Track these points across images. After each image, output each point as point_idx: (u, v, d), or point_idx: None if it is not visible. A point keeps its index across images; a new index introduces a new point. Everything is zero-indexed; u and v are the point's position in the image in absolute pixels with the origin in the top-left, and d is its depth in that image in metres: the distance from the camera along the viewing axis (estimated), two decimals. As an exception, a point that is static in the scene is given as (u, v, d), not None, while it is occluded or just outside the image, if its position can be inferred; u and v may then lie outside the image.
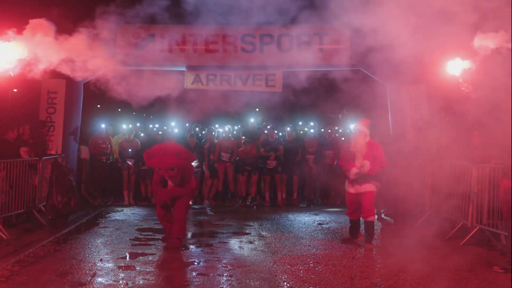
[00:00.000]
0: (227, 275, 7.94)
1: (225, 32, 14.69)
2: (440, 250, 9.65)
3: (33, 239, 10.32)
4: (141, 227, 11.73)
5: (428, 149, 12.97)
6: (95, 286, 7.34)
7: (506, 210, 8.61)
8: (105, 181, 15.73)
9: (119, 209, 14.40)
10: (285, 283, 7.53)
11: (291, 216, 13.52)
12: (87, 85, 15.31)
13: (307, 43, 14.67)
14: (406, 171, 12.58)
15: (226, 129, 16.51)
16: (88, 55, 11.72)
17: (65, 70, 11.56)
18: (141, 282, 7.58)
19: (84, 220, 12.57)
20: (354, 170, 9.96)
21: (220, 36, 14.81)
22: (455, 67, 9.62)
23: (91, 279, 7.62)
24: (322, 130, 17.42)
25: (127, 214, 13.67)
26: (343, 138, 15.92)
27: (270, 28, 14.63)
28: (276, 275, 7.94)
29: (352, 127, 10.37)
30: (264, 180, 15.76)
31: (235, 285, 7.43)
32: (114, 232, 11.18)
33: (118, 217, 13.14)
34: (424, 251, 9.45)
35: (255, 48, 14.87)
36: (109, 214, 13.51)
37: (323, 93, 14.06)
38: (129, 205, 15.09)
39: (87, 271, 8.05)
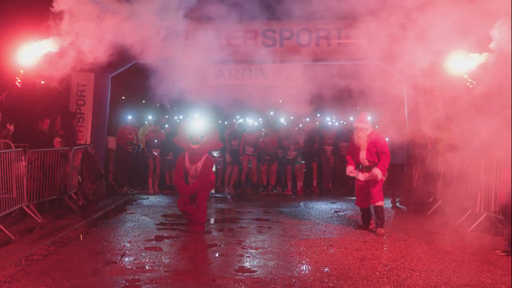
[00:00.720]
0: (246, 256, 8.59)
1: (246, 27, 15.20)
2: (448, 236, 10.21)
3: (65, 223, 11.08)
4: (166, 213, 12.41)
5: (442, 141, 13.51)
6: (124, 264, 8.05)
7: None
8: (131, 170, 16.50)
9: (145, 197, 15.12)
10: (298, 263, 8.16)
11: (309, 204, 14.14)
12: (113, 78, 16.07)
13: (325, 38, 15.17)
14: (420, 162, 13.19)
15: (250, 123, 17.15)
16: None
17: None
18: (166, 261, 8.28)
19: (112, 207, 13.31)
20: (349, 169, 10.65)
21: (242, 31, 15.33)
22: (462, 63, 10.05)
23: (121, 258, 8.33)
24: (340, 122, 17.98)
25: (152, 201, 14.38)
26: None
27: (290, 23, 15.16)
28: (291, 256, 8.58)
29: (353, 121, 10.84)
30: (285, 170, 16.35)
31: (254, 265, 8.07)
32: (140, 218, 11.90)
33: (144, 204, 13.87)
34: (432, 237, 10.11)
35: (275, 43, 15.39)
36: (136, 202, 14.24)
37: (342, 87, 14.49)
38: (154, 193, 15.80)
39: (117, 251, 8.77)
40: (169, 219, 11.78)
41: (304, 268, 7.92)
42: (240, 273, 7.59)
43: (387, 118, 14.63)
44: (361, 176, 10.74)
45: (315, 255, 8.66)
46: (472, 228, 10.72)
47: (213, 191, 15.26)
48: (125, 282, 7.09)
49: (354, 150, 10.79)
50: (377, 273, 7.65)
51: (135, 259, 8.33)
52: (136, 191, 15.96)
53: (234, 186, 16.51)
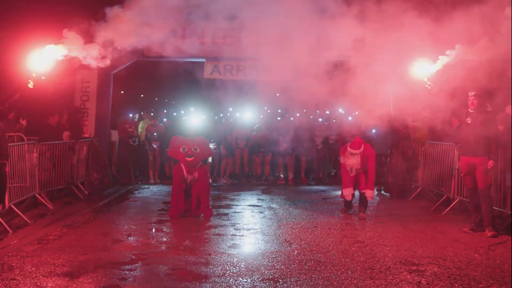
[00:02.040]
0: (238, 236, 9.68)
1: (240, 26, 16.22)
2: (422, 218, 11.35)
3: (74, 209, 12.17)
4: (166, 200, 13.45)
5: (421, 133, 14.64)
6: (131, 242, 9.16)
7: (469, 181, 10.18)
8: (133, 162, 17.57)
9: (146, 186, 16.22)
10: (285, 241, 9.24)
11: (299, 192, 15.27)
12: (115, 74, 17.15)
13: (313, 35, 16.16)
14: (402, 152, 14.30)
15: (244, 119, 18.29)
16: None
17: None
18: (168, 240, 9.43)
19: (116, 195, 14.37)
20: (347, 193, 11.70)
21: (236, 29, 16.33)
22: (423, 69, 11.14)
23: (127, 238, 9.43)
24: (329, 114, 19.12)
25: (153, 191, 15.47)
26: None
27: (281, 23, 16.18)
28: (279, 235, 9.69)
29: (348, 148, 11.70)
30: (278, 161, 17.47)
31: (245, 242, 9.17)
32: (143, 205, 13.03)
33: (145, 193, 14.97)
34: (409, 219, 11.23)
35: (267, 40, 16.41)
36: (138, 191, 15.33)
37: (330, 82, 15.49)
38: (155, 183, 16.90)
39: (124, 232, 9.88)
40: (169, 206, 12.80)
41: (289, 245, 8.98)
42: (232, 249, 8.69)
43: (375, 112, 15.76)
44: (353, 172, 11.64)
45: (301, 234, 9.75)
46: (446, 211, 11.84)
47: (210, 180, 16.32)
48: (132, 255, 8.18)
49: (347, 168, 11.65)
50: (353, 248, 8.76)
51: (140, 238, 9.44)
52: (137, 182, 17.00)
53: (230, 176, 17.59)
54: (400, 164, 14.24)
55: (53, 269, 7.36)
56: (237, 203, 13.37)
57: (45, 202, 12.12)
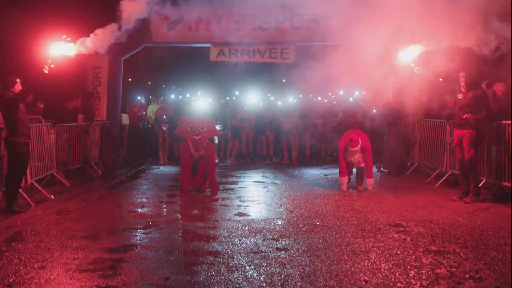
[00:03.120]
0: (243, 206, 10.54)
1: (245, 13, 17.02)
2: (416, 190, 12.18)
3: (90, 187, 13.07)
4: (176, 178, 14.31)
5: (416, 112, 15.46)
6: (145, 212, 10.04)
7: (458, 153, 11.02)
8: (143, 144, 18.48)
9: (156, 167, 17.12)
10: (286, 210, 10.09)
11: (302, 170, 16.10)
12: (125, 61, 18.00)
13: (315, 21, 16.96)
14: (399, 130, 15.12)
15: (245, 107, 19.14)
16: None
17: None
18: (178, 209, 10.32)
19: (128, 175, 15.26)
20: (343, 183, 12.51)
21: (241, 16, 17.13)
22: (410, 54, 11.99)
23: (141, 209, 10.32)
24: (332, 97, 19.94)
25: (163, 170, 16.36)
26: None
27: (284, 9, 16.98)
28: (281, 205, 10.55)
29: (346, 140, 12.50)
30: (282, 141, 18.34)
31: (249, 211, 10.02)
32: (154, 182, 13.91)
33: (155, 172, 15.87)
34: (403, 191, 12.08)
35: (271, 26, 17.20)
36: (148, 171, 16.22)
37: (333, 66, 16.26)
38: (164, 164, 17.80)
39: (137, 204, 10.77)
40: (178, 182, 13.68)
41: (290, 213, 9.83)
42: (238, 216, 9.55)
43: (375, 93, 16.67)
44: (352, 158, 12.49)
45: (301, 204, 10.61)
46: (438, 184, 12.67)
47: (216, 160, 17.22)
48: (147, 222, 9.08)
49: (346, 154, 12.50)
50: (348, 214, 9.62)
51: (152, 209, 10.34)
52: (148, 163, 17.88)
53: (236, 157, 18.47)
54: (397, 142, 15.05)
55: (75, 233, 8.26)
56: (242, 180, 14.23)
57: (62, 180, 13.01)
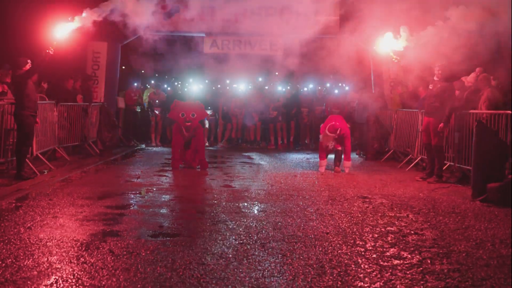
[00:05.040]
0: (229, 180, 11.81)
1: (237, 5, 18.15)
2: (388, 172, 13.48)
3: (89, 162, 14.29)
4: (168, 157, 15.49)
5: (394, 102, 16.79)
6: (140, 181, 11.31)
7: (425, 138, 12.33)
8: (137, 126, 19.72)
9: (150, 148, 18.39)
10: (267, 184, 11.34)
11: (286, 154, 17.39)
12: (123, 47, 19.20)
13: (304, 14, 18.11)
14: (377, 119, 16.40)
15: (239, 90, 20.42)
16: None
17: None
18: (171, 181, 11.58)
19: (124, 153, 16.53)
20: (321, 167, 13.62)
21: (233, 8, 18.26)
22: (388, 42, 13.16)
23: (137, 179, 11.59)
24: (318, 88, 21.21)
25: (156, 151, 17.66)
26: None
27: (273, 2, 18.17)
28: (263, 180, 11.83)
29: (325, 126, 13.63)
30: (268, 127, 19.63)
31: (234, 184, 11.29)
32: (148, 159, 15.20)
33: (149, 152, 17.19)
34: (376, 172, 13.35)
35: (261, 19, 18.37)
36: (142, 151, 17.51)
37: (317, 57, 17.41)
38: (156, 146, 19.12)
39: (133, 176, 12.06)
40: (170, 161, 14.92)
41: (270, 186, 11.08)
42: (224, 187, 10.82)
43: (357, 84, 17.97)
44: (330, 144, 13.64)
45: (282, 180, 11.87)
46: (409, 168, 13.97)
47: (207, 144, 18.48)
48: (143, 188, 10.37)
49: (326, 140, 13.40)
50: (322, 188, 10.90)
51: (147, 180, 11.60)
52: (141, 144, 19.11)
53: (226, 141, 19.77)
54: (376, 130, 16.32)
55: (80, 194, 9.52)
56: (229, 160, 15.51)
57: (63, 155, 14.24)
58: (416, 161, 14.09)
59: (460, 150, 12.09)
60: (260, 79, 22.00)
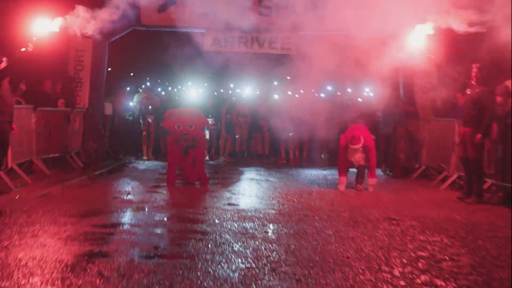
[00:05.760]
0: (234, 198, 11.97)
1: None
2: (419, 192, 13.59)
3: (71, 176, 14.46)
4: (162, 172, 15.63)
5: (426, 110, 16.90)
6: (130, 199, 11.51)
7: (462, 151, 12.43)
8: (127, 137, 19.90)
9: (141, 161, 18.60)
10: (278, 203, 11.49)
11: (299, 170, 17.54)
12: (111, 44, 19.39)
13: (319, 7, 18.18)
14: (407, 130, 16.53)
15: (244, 95, 20.55)
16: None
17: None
18: (166, 198, 11.77)
19: (111, 167, 16.69)
20: (341, 185, 13.79)
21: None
22: (418, 36, 13.17)
23: (127, 196, 11.77)
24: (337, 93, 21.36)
25: (148, 165, 17.83)
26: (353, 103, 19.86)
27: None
28: (273, 199, 11.98)
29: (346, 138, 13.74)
30: (279, 139, 19.77)
31: (239, 202, 11.45)
32: (139, 174, 15.39)
33: (140, 167, 17.32)
34: (404, 192, 13.49)
35: (271, 12, 18.51)
36: (132, 165, 17.70)
37: (339, 58, 17.41)
38: (148, 159, 19.26)
39: (123, 192, 12.28)
40: (165, 176, 15.04)
41: (282, 205, 11.24)
42: (228, 206, 10.98)
43: (382, 90, 18.06)
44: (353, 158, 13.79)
45: (295, 199, 12.03)
46: (444, 187, 14.08)
47: (207, 158, 18.66)
48: (134, 206, 10.55)
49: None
50: (342, 208, 11.03)
51: (138, 197, 11.79)
52: (131, 158, 19.30)
53: (229, 154, 19.96)
54: (405, 142, 16.45)
55: (63, 212, 9.71)
56: (234, 176, 15.69)
57: (42, 168, 14.42)
58: (452, 179, 14.17)
59: (503, 165, 12.16)
60: (272, 82, 22.08)
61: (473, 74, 12.15)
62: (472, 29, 11.60)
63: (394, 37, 15.24)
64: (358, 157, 13.43)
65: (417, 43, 12.80)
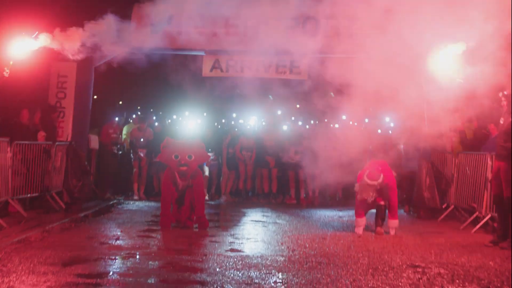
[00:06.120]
0: (237, 243, 11.96)
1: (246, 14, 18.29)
2: (447, 235, 13.55)
3: (52, 219, 14.44)
4: (156, 213, 15.58)
5: (454, 142, 16.89)
6: (120, 244, 11.48)
7: (495, 187, 12.41)
8: (115, 173, 19.88)
9: (131, 202, 18.60)
10: (288, 248, 11.48)
11: (312, 211, 17.56)
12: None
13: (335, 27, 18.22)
14: (432, 166, 16.51)
15: (248, 127, 20.57)
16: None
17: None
18: (160, 243, 11.79)
19: (97, 208, 16.67)
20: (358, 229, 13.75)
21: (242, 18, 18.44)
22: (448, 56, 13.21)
23: (115, 241, 11.76)
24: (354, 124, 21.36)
25: (139, 206, 17.85)
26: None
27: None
28: (282, 244, 11.98)
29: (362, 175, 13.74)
30: (288, 176, 19.76)
31: (244, 248, 11.44)
32: (129, 216, 15.39)
33: (130, 208, 17.34)
34: (431, 235, 13.46)
35: (279, 32, 18.49)
36: (121, 206, 17.71)
37: (355, 84, 17.38)
38: (140, 199, 19.27)
39: (111, 237, 12.26)
40: (159, 218, 15.00)
41: (291, 251, 11.22)
42: (230, 252, 10.97)
43: (404, 121, 18.01)
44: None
45: (307, 243, 12.02)
46: (475, 229, 14.03)
47: (207, 197, 18.64)
48: (124, 253, 10.54)
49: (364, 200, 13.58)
50: (360, 254, 11.01)
51: (129, 242, 11.78)
52: (120, 198, 19.33)
53: (231, 194, 19.95)
54: (430, 179, 16.43)
55: (43, 260, 9.69)
56: (237, 218, 15.73)
57: (19, 209, 14.41)
58: (485, 220, 14.13)
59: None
60: (278, 111, 22.12)
61: (503, 100, 12.16)
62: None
63: (419, 59, 15.37)
64: (371, 196, 13.34)
65: (445, 66, 12.85)
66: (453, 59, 12.87)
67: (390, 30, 14.00)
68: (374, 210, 13.97)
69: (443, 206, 16.44)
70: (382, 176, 13.29)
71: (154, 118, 22.22)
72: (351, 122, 21.78)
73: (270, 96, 21.32)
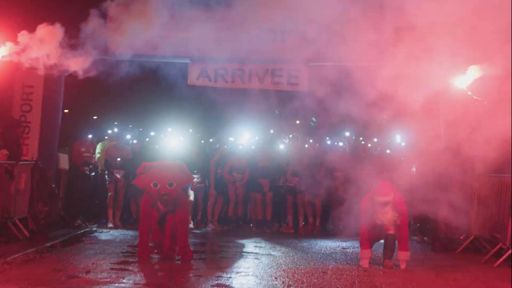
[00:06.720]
0: (225, 277, 11.89)
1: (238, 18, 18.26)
2: (465, 269, 13.49)
3: (14, 249, 14.33)
4: (133, 243, 15.55)
5: (473, 164, 16.84)
6: (91, 277, 11.39)
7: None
8: (87, 197, 19.76)
9: (105, 230, 18.51)
10: (283, 283, 11.42)
11: (311, 241, 17.50)
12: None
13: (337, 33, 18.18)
14: (448, 190, 16.43)
15: (240, 147, 20.53)
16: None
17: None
18: (137, 278, 11.68)
19: (66, 237, 16.58)
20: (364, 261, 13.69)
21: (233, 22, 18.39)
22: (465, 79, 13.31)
23: (85, 275, 11.68)
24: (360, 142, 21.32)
25: (114, 235, 17.78)
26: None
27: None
28: (276, 278, 11.91)
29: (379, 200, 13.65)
30: (285, 201, 19.68)
31: (232, 282, 11.38)
32: (103, 246, 15.31)
33: (104, 237, 17.27)
34: (447, 269, 13.39)
35: (275, 38, 18.46)
36: (94, 234, 17.64)
37: (362, 97, 17.32)
38: (115, 227, 19.18)
39: (81, 269, 12.15)
40: (136, 249, 14.95)
41: (287, 286, 11.16)
42: (216, 287, 10.90)
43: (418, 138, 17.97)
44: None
45: (305, 278, 11.95)
46: (498, 263, 13.96)
47: (191, 225, 18.56)
48: (95, 287, 10.45)
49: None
50: (365, 290, 10.99)
51: (101, 276, 11.68)
52: (93, 226, 19.25)
53: (219, 221, 19.85)
54: (443, 207, 16.34)
55: (3, 295, 9.62)
56: (226, 249, 15.65)
57: (-25, 238, 14.35)
58: (509, 252, 14.09)
59: None
60: (272, 131, 22.08)
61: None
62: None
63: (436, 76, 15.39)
64: (390, 217, 13.25)
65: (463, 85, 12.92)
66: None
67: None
68: (382, 241, 13.80)
69: (461, 237, 16.36)
70: (392, 194, 13.21)
71: (131, 136, 22.03)
72: (357, 140, 21.73)
73: (277, 111, 21.14)
